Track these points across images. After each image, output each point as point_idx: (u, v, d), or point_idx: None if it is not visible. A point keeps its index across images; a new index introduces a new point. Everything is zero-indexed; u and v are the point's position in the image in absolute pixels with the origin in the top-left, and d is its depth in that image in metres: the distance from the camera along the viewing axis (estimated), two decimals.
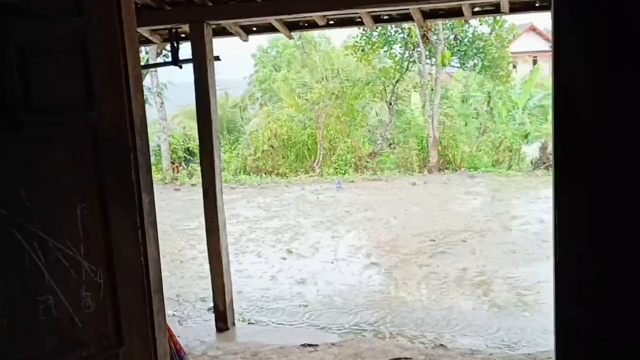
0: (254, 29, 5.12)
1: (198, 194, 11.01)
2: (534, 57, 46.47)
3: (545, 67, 40.80)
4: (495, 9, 4.41)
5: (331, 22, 4.88)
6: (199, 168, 13.26)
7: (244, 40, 5.22)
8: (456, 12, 4.51)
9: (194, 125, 22.00)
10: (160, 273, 2.34)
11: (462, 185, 11.05)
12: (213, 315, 4.98)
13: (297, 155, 15.41)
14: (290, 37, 5.12)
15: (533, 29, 34.33)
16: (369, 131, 17.38)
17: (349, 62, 22.71)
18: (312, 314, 5.32)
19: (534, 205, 9.10)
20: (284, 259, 7.15)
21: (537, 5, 4.40)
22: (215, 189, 4.65)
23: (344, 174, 12.85)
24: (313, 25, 4.90)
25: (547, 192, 9.96)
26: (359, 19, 4.82)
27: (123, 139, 2.09)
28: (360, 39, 15.80)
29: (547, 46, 60.01)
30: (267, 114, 19.19)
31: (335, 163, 14.09)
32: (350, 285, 6.08)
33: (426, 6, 4.41)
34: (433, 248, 7.19)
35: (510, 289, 5.74)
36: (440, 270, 6.36)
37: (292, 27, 4.97)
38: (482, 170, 12.29)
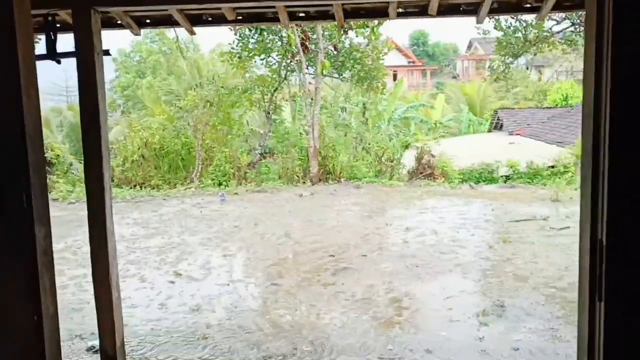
0: (147, 21, 4.42)
1: (61, 210, 9.90)
2: (394, 71, 48.61)
3: (406, 81, 42.61)
4: (422, 11, 4.13)
5: (240, 17, 4.31)
6: (59, 181, 12.04)
7: (135, 34, 4.49)
8: (380, 12, 4.15)
9: (47, 132, 20.09)
10: (59, 337, 1.72)
11: (349, 196, 10.86)
12: (96, 356, 4.19)
13: (171, 165, 14.45)
14: (192, 33, 4.47)
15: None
16: (246, 141, 16.84)
17: (224, 69, 21.98)
18: (214, 347, 4.69)
19: (424, 216, 9.08)
20: (173, 282, 6.39)
21: (461, 9, 4.18)
22: (105, 209, 3.89)
23: (226, 186, 12.16)
24: (220, 19, 4.30)
25: (432, 202, 10.06)
26: (272, 16, 4.32)
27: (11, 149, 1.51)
28: (237, 46, 15.23)
29: (405, 61, 62.99)
30: (133, 122, 17.96)
31: (213, 174, 13.37)
32: (252, 311, 5.50)
33: (350, 2, 4.03)
34: (334, 264, 6.81)
35: (423, 306, 5.50)
36: (347, 289, 5.98)
37: (195, 21, 4.33)
38: (366, 181, 12.22)
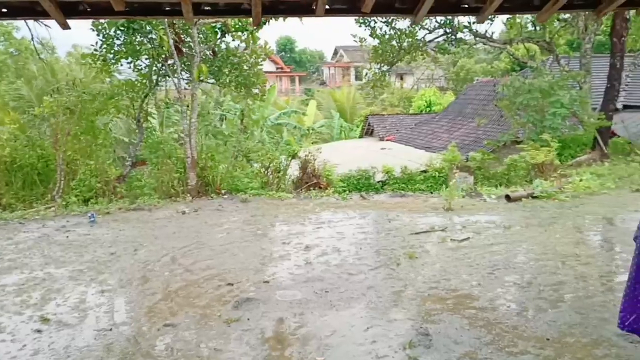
0: (4, 10, 3.39)
1: None
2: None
3: (276, 87, 42.26)
4: (352, 8, 3.52)
5: (128, 8, 3.43)
6: None
7: None
8: (304, 8, 3.49)
9: None
10: None
11: (237, 211, 10.04)
12: None
13: (25, 181, 12.67)
14: (65, 27, 3.50)
15: None
16: (114, 152, 15.36)
17: (84, 73, 20.09)
18: None
19: (322, 232, 8.53)
20: (39, 331, 5.23)
21: (396, 6, 3.64)
22: None
23: (95, 204, 10.78)
24: (102, 10, 3.40)
25: (327, 216, 9.55)
26: (170, 8, 3.49)
27: None
28: (101, 48, 13.80)
29: (274, 67, 62.80)
30: None
31: (77, 189, 11.86)
32: None
33: None
34: (234, 294, 6.01)
35: (344, 340, 4.89)
36: (254, 325, 5.23)
37: (69, 11, 3.38)
38: (252, 193, 11.46)
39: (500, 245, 7.59)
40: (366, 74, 20.55)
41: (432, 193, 12.34)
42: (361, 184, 18.18)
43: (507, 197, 10.38)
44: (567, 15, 18.54)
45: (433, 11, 3.62)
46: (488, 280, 6.31)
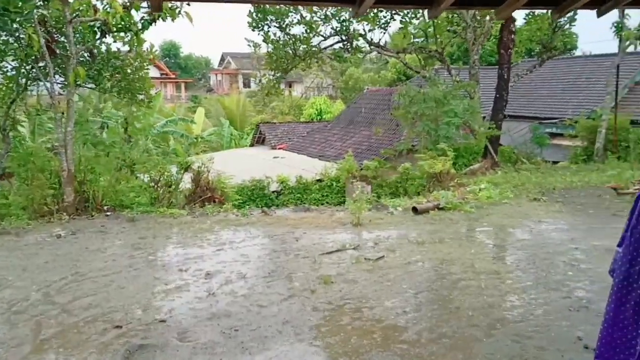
0: None
1: None
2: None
3: (162, 94, 40.33)
4: None
5: None
6: None
7: None
8: None
9: None
10: None
11: (124, 233, 8.85)
12: None
13: None
14: None
15: None
16: None
17: None
18: None
19: (223, 255, 7.62)
20: None
21: None
22: None
23: None
24: None
25: (228, 235, 8.65)
26: None
27: None
28: None
29: (158, 73, 60.27)
30: None
31: None
32: None
33: None
34: (125, 340, 5.00)
35: None
36: None
37: None
38: (140, 211, 10.27)
39: (418, 264, 7.11)
40: (260, 80, 19.80)
41: (336, 206, 11.72)
42: (255, 195, 17.41)
43: (414, 209, 10.04)
44: (459, 27, 18.95)
45: (380, 2, 2.98)
46: (413, 307, 5.76)
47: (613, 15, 20.39)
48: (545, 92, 29.01)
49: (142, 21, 12.05)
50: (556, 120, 24.23)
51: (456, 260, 7.25)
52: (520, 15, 29.24)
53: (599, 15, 3.50)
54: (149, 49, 14.34)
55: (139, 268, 7.09)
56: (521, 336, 5.03)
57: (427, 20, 18.59)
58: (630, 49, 21.36)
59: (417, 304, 5.82)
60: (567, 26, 19.73)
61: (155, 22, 12.16)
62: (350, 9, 3.19)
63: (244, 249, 7.91)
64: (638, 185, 11.53)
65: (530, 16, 20.05)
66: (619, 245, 3.07)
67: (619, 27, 18.67)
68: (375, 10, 17.83)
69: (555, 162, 19.24)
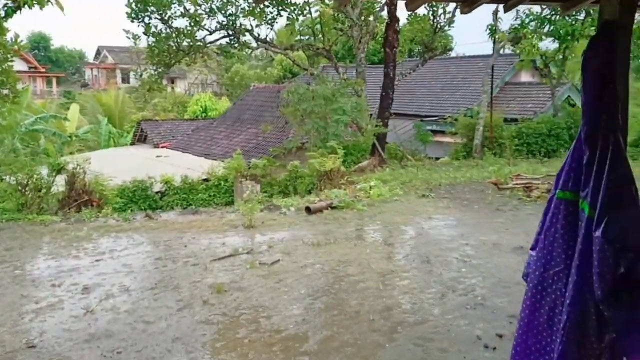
0: None
1: None
2: None
3: (30, 89, 37.39)
4: None
5: None
6: None
7: None
8: None
9: None
10: None
11: None
12: None
13: None
14: None
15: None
16: None
17: None
18: None
19: (103, 266, 6.94)
20: None
21: None
22: None
23: None
24: None
25: (109, 244, 7.94)
26: None
27: None
28: None
29: (26, 66, 55.85)
30: None
31: None
32: None
33: None
34: None
35: None
36: None
37: None
38: (5, 218, 9.21)
39: (315, 267, 6.87)
40: (140, 75, 18.75)
41: (227, 205, 11.25)
42: (138, 197, 16.45)
43: (308, 209, 9.82)
44: (345, 25, 19.04)
45: None
46: (312, 313, 5.50)
47: (488, 18, 21.50)
48: (425, 91, 30.15)
49: (5, 8, 10.89)
50: (436, 118, 25.21)
51: (353, 261, 7.09)
52: (403, 16, 30.12)
53: (506, 10, 3.43)
54: (13, 39, 13.06)
55: (3, 285, 6.26)
56: (423, 339, 4.92)
57: (315, 18, 18.52)
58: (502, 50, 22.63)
59: (316, 310, 5.57)
60: (446, 27, 20.49)
61: (20, 9, 11.02)
62: None
63: (127, 258, 7.27)
64: (516, 180, 12.11)
65: (412, 17, 20.61)
66: (532, 249, 2.95)
67: (493, 30, 19.67)
68: (262, 5, 17.48)
69: (437, 158, 19.96)
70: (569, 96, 23.77)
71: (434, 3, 18.25)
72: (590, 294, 2.56)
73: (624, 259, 2.44)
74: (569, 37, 18.15)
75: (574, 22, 17.54)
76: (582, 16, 17.73)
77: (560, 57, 20.93)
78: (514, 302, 5.68)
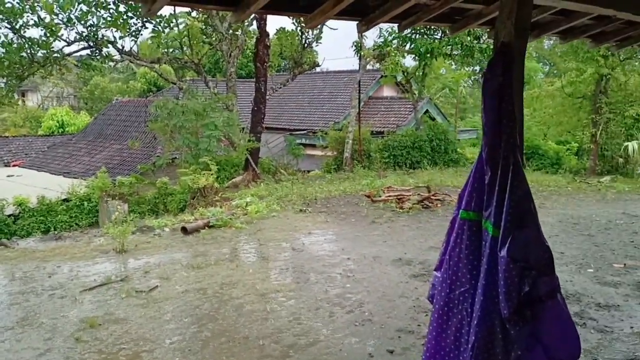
0: None
1: None
2: None
3: None
4: None
5: None
6: None
7: None
8: None
9: None
10: None
11: None
12: None
13: None
14: None
15: None
16: None
17: None
18: None
19: None
20: None
21: None
22: None
23: None
24: None
25: None
26: None
27: None
28: None
29: None
30: None
31: None
32: None
33: None
34: None
35: None
36: None
37: None
38: None
39: (197, 292, 6.54)
40: None
41: (90, 226, 10.47)
42: None
43: (184, 230, 9.41)
44: (213, 38, 18.68)
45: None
46: (198, 343, 5.19)
47: (353, 35, 22.19)
48: (293, 105, 30.54)
49: None
50: (306, 131, 25.56)
51: (236, 283, 6.85)
52: (271, 31, 30.28)
53: (400, 30, 3.45)
54: None
55: None
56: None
57: (182, 31, 17.99)
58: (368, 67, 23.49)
59: (202, 339, 5.26)
60: (314, 44, 20.88)
61: None
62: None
63: None
64: (388, 192, 12.52)
65: (280, 32, 20.76)
66: (436, 270, 2.95)
67: (359, 46, 20.36)
68: (124, 17, 16.67)
69: (309, 172, 20.19)
70: (427, 110, 25.23)
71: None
72: (497, 313, 2.58)
73: (528, 277, 2.49)
74: (428, 55, 19.25)
75: (432, 41, 18.62)
76: (439, 35, 18.88)
77: (420, 73, 22.15)
78: (400, 316, 5.78)
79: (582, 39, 4.72)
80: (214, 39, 18.73)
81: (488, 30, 4.88)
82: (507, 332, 2.57)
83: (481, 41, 17.99)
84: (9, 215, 15.56)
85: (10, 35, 15.23)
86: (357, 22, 3.38)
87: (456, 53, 18.96)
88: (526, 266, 2.48)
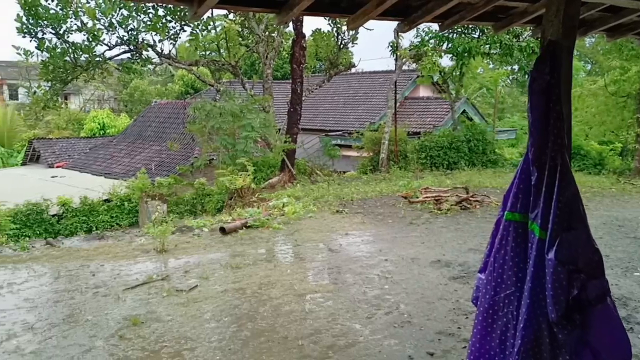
0: None
1: None
2: None
3: None
4: None
5: None
6: None
7: None
8: None
9: None
10: None
11: None
12: None
13: None
14: None
15: None
16: None
17: None
18: None
19: (1, 302, 6.29)
20: None
21: None
22: None
23: None
24: None
25: (4, 276, 7.22)
26: None
27: None
28: None
29: None
30: None
31: None
32: None
33: None
34: None
35: None
36: None
37: None
38: None
39: (237, 293, 6.59)
40: (35, 92, 17.53)
41: (131, 226, 10.67)
42: (32, 220, 15.39)
43: (222, 230, 9.51)
44: (250, 41, 18.85)
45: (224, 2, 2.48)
46: (238, 342, 5.23)
47: (389, 36, 22.10)
48: (328, 106, 30.59)
49: None
50: (341, 132, 25.56)
51: (275, 283, 6.89)
52: (307, 32, 30.42)
53: (442, 29, 3.42)
54: None
55: None
56: None
57: (219, 33, 18.21)
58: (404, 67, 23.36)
59: (242, 339, 5.31)
60: (350, 45, 20.86)
61: None
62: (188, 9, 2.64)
63: (28, 291, 6.65)
64: (425, 193, 12.41)
65: (316, 33, 20.80)
66: (480, 272, 2.91)
67: (395, 47, 20.26)
68: (163, 21, 16.96)
69: (344, 172, 20.18)
70: (464, 110, 24.94)
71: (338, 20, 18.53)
72: (544, 317, 2.54)
73: (577, 280, 2.44)
74: (465, 55, 19.02)
75: (470, 40, 18.40)
76: (476, 34, 18.65)
77: (458, 73, 21.90)
78: (439, 318, 5.73)
79: (629, 37, 4.60)
80: (250, 41, 18.89)
81: (532, 28, 4.79)
82: (554, 336, 2.52)
83: (520, 39, 17.69)
84: (54, 215, 15.96)
85: (55, 40, 15.66)
86: (398, 22, 3.37)
87: (494, 52, 18.69)
88: (575, 269, 2.42)
